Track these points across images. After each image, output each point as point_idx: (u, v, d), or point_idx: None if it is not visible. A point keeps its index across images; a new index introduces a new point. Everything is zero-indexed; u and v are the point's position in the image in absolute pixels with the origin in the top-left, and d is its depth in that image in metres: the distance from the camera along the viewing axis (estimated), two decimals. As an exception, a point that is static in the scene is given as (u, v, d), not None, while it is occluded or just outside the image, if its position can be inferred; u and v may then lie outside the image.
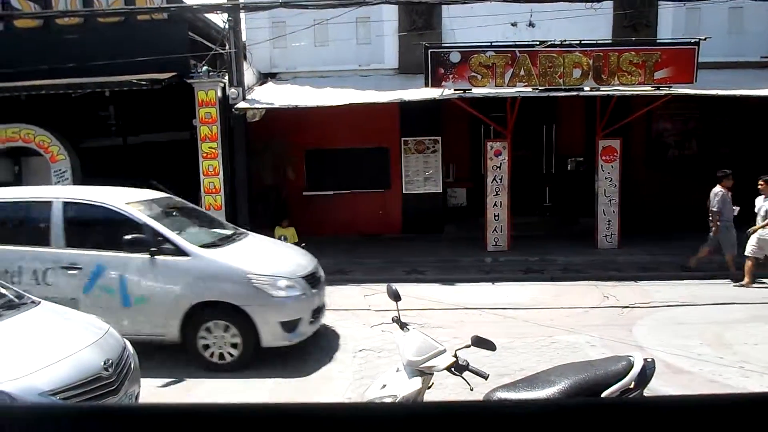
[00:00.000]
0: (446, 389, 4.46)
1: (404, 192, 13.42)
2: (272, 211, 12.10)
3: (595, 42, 10.55)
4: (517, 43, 10.65)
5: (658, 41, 11.24)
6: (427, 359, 3.28)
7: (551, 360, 5.75)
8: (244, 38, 11.69)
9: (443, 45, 11.35)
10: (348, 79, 12.30)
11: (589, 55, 10.20)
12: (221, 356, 6.00)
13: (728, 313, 7.64)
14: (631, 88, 10.35)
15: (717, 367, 5.80)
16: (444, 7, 11.91)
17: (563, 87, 10.38)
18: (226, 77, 10.92)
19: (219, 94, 10.74)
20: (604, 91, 10.41)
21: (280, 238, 10.99)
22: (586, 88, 10.40)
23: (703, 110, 14.04)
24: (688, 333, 6.83)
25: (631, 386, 3.34)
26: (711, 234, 9.61)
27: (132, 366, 4.46)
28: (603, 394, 3.26)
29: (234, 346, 5.99)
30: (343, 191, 13.37)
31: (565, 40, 10.32)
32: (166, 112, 12.11)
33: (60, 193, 6.77)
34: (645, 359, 3.43)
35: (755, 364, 5.83)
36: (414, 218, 13.33)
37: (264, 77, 12.72)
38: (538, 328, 7.07)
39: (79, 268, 6.06)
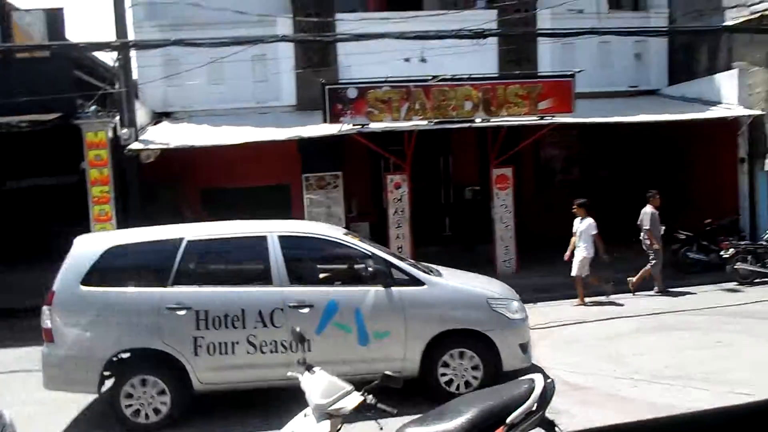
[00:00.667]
0: (355, 429, 4.39)
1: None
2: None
3: (483, 76, 11.13)
4: (411, 79, 11.01)
5: (539, 74, 12.02)
6: (335, 401, 3.22)
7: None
8: (135, 76, 11.30)
9: (340, 81, 11.55)
10: (246, 116, 12.16)
11: (479, 88, 10.74)
12: (459, 386, 5.68)
13: (614, 328, 8.18)
14: (519, 118, 10.98)
15: (611, 380, 6.15)
16: (339, 44, 12.14)
17: (456, 119, 10.83)
18: (117, 117, 10.47)
19: (109, 134, 10.27)
20: (494, 122, 10.96)
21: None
22: (478, 120, 10.91)
23: (583, 137, 15.12)
24: (583, 350, 7.23)
25: (534, 408, 3.46)
26: (652, 252, 10.11)
27: None
28: (508, 420, 3.35)
29: (475, 368, 5.72)
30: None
31: (456, 75, 10.82)
32: (52, 155, 11.39)
33: (270, 226, 6.09)
34: (545, 380, 3.57)
35: (644, 374, 6.24)
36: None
37: (158, 116, 12.33)
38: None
39: (310, 306, 5.56)
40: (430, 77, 10.88)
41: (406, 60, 12.31)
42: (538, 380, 3.54)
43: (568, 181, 15.54)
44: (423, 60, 12.24)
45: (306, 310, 5.52)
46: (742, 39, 12.19)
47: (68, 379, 5.55)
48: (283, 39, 10.29)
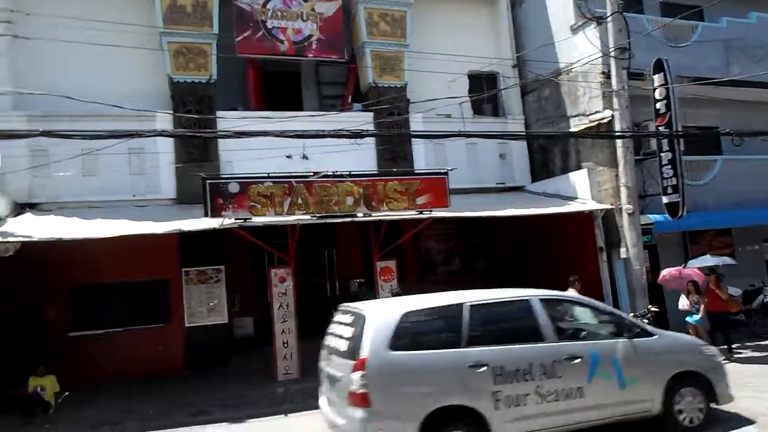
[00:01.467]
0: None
1: (187, 325, 12.65)
2: (26, 358, 10.43)
3: (363, 173, 11.62)
4: (293, 174, 11.21)
5: (415, 172, 12.72)
6: None
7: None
8: (-1, 166, 10.55)
9: (221, 176, 11.50)
10: (122, 209, 11.65)
11: (359, 184, 11.14)
12: (691, 419, 6.74)
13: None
14: (398, 213, 11.43)
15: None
16: (221, 140, 12.19)
17: (339, 214, 11.07)
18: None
19: (-39, 227, 9.34)
20: (375, 216, 11.32)
21: (35, 389, 9.52)
22: (360, 214, 11.22)
23: (460, 230, 15.98)
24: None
25: None
26: None
27: None
28: None
29: (700, 410, 6.81)
30: (116, 329, 12.15)
31: (337, 171, 11.19)
32: None
33: (528, 292, 6.92)
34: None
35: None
36: (198, 352, 12.53)
37: (21, 207, 11.47)
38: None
39: (580, 358, 6.34)
40: (312, 173, 11.15)
41: (288, 156, 12.58)
42: None
43: (450, 272, 16.19)
44: (305, 157, 12.56)
45: (578, 361, 6.33)
46: (587, 143, 13.79)
47: None
48: (162, 134, 10.14)
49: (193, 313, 12.71)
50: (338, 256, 15.15)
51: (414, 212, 11.55)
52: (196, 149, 12.61)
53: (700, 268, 12.17)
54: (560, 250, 13.96)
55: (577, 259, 13.29)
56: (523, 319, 6.54)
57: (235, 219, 10.59)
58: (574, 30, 14.15)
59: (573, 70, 14.14)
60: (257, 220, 10.68)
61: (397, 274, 12.27)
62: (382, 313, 6.25)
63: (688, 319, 11.63)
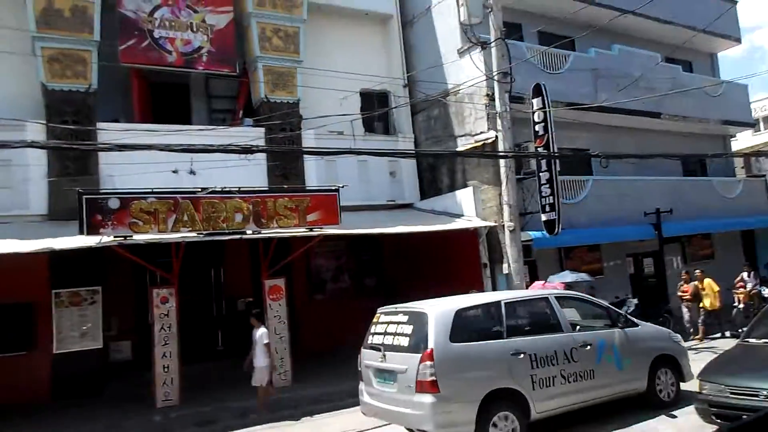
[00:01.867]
0: None
1: (55, 351, 11.64)
2: None
3: (253, 189, 11.35)
4: (179, 190, 10.76)
5: (306, 188, 12.65)
6: None
7: None
8: None
9: (101, 191, 10.79)
10: (-19, 227, 10.60)
11: (249, 200, 10.88)
12: (667, 394, 8.21)
13: None
14: (289, 230, 11.28)
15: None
16: (102, 153, 11.47)
17: (227, 231, 10.73)
18: None
19: None
20: (265, 233, 11.10)
21: None
22: (249, 232, 10.95)
23: (350, 247, 16.05)
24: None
25: None
26: None
27: None
28: None
29: (672, 381, 8.28)
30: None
31: (226, 187, 10.86)
32: None
33: (546, 291, 9.09)
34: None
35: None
36: (68, 380, 11.56)
37: None
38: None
39: (590, 345, 7.58)
40: (199, 189, 10.76)
41: (175, 171, 12.06)
42: None
43: (339, 289, 16.18)
44: (192, 172, 12.11)
45: (588, 348, 7.54)
46: (473, 162, 14.41)
47: (453, 422, 6.53)
48: (32, 145, 9.34)
49: (63, 338, 11.73)
50: (226, 274, 14.68)
51: (304, 229, 11.45)
52: (73, 162, 11.77)
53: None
54: (447, 266, 14.40)
55: (463, 275, 13.76)
56: (545, 314, 7.69)
57: (115, 237, 9.97)
58: (461, 53, 14.78)
59: (460, 91, 14.74)
60: (139, 237, 10.11)
61: (286, 293, 12.07)
62: (441, 311, 7.05)
63: None
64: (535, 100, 13.57)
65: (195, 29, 13.37)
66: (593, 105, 15.05)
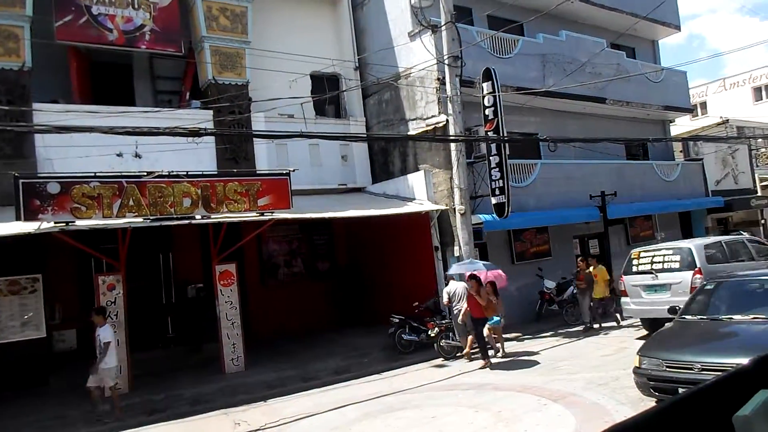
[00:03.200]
0: None
1: (-6, 343, 11.21)
2: None
3: (201, 173, 11.09)
4: (124, 174, 10.42)
5: (257, 172, 12.44)
6: None
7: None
8: None
9: (39, 175, 10.34)
10: None
11: (197, 185, 10.64)
12: None
13: (346, 415, 8.43)
14: (239, 215, 11.10)
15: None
16: (39, 135, 10.97)
17: (175, 216, 10.48)
18: None
19: None
20: (215, 218, 10.89)
21: None
22: (198, 217, 10.72)
23: (303, 231, 15.95)
24: (316, 441, 7.32)
25: None
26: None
27: None
28: None
29: None
30: None
31: (173, 171, 10.58)
32: None
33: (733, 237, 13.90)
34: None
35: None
36: (11, 371, 11.15)
37: None
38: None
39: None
40: (145, 173, 10.45)
41: (119, 155, 11.69)
42: None
43: (293, 274, 16.08)
44: (138, 156, 11.75)
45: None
46: (424, 145, 14.48)
47: None
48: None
49: (3, 328, 11.28)
50: (175, 260, 14.36)
51: (255, 214, 11.29)
52: (7, 144, 11.23)
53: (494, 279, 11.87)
54: (400, 249, 14.50)
55: (415, 258, 13.90)
56: (741, 250, 12.44)
57: (55, 222, 9.60)
58: (412, 36, 14.76)
59: (411, 75, 14.74)
60: (82, 223, 9.76)
61: (237, 278, 11.93)
62: (697, 245, 11.73)
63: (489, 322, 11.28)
64: (485, 84, 13.69)
65: (137, 6, 12.86)
66: (542, 90, 15.32)
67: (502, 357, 11.36)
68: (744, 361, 2.00)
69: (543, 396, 8.33)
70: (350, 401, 9.13)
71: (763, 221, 23.94)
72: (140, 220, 10.18)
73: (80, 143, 10.06)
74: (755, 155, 24.84)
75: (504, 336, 12.04)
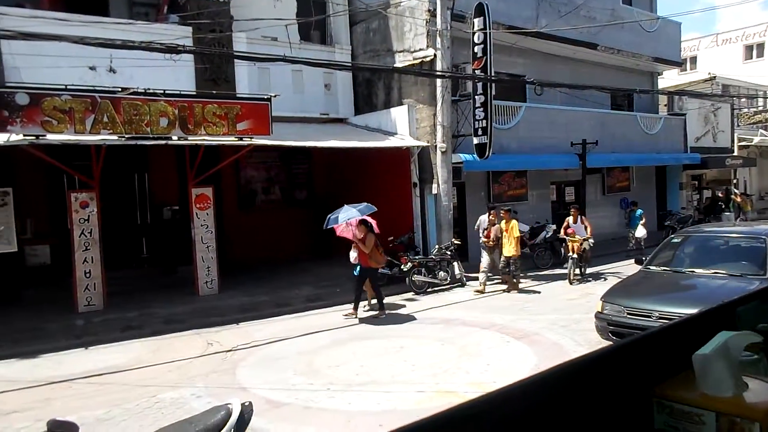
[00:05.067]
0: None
1: (-35, 255, 11.10)
2: None
3: (179, 93, 10.77)
4: (98, 89, 10.07)
5: (237, 96, 12.13)
6: None
7: (155, 422, 5.49)
8: None
9: (6, 84, 9.95)
10: None
11: (174, 105, 10.37)
12: None
13: (315, 342, 8.63)
14: (217, 138, 10.90)
15: (309, 393, 6.46)
16: (4, 42, 10.47)
17: (151, 135, 10.25)
18: None
19: None
20: (192, 140, 10.68)
21: None
22: (174, 138, 10.51)
23: (282, 159, 15.78)
24: (284, 366, 7.46)
25: (231, 434, 3.48)
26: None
27: None
28: (206, 450, 3.33)
29: None
30: None
31: (149, 89, 10.26)
32: None
33: None
34: (243, 404, 3.59)
35: (338, 384, 6.72)
36: (-20, 285, 11.14)
37: None
38: (141, 389, 6.69)
39: None
40: (120, 89, 10.12)
41: (92, 68, 11.24)
42: (236, 405, 3.55)
43: (270, 201, 16.02)
44: (112, 70, 11.32)
45: None
46: (410, 79, 14.22)
47: None
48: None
49: (-27, 239, 11.15)
50: (151, 181, 14.16)
51: (234, 138, 11.11)
52: (-30, 49, 10.71)
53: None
54: (378, 182, 14.46)
55: (394, 192, 13.89)
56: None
57: (24, 135, 9.33)
58: (405, -36, 14.21)
59: (401, 4, 14.28)
60: (53, 137, 9.50)
61: (214, 202, 11.85)
62: None
63: (354, 271, 10.48)
64: (476, 20, 13.35)
65: None
66: (534, 30, 15.00)
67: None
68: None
69: (507, 334, 8.60)
70: (321, 328, 9.35)
71: (735, 181, 24.33)
72: (115, 137, 9.95)
73: (49, 52, 9.61)
74: (737, 115, 24.96)
75: (475, 275, 12.27)
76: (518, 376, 5.48)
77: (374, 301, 10.36)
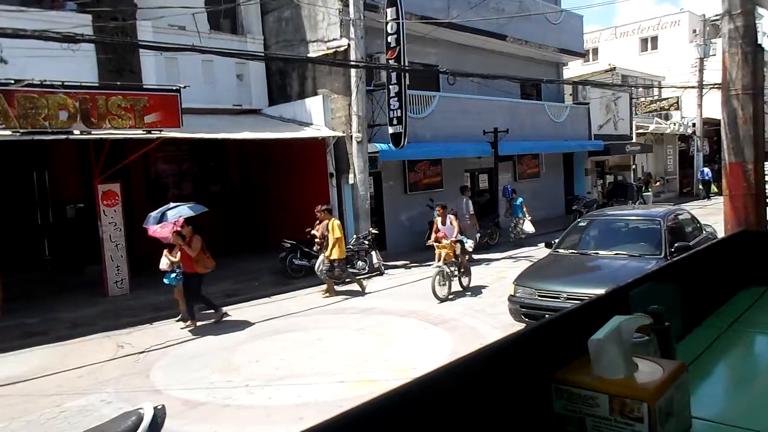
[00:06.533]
0: None
1: None
2: None
3: (79, 84, 10.17)
4: (-13, 81, 9.34)
5: (144, 87, 11.59)
6: None
7: (62, 432, 5.22)
8: None
9: None
10: None
11: (75, 97, 9.78)
12: None
13: (233, 338, 8.46)
14: (123, 131, 10.40)
15: (227, 390, 6.34)
16: None
17: (50, 130, 9.63)
18: None
19: None
20: (96, 134, 10.14)
21: None
22: (76, 132, 9.93)
23: (194, 152, 15.27)
24: (201, 365, 7.28)
25: (143, 440, 3.35)
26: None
27: None
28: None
29: None
30: None
31: (46, 80, 9.62)
32: None
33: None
34: (155, 407, 3.47)
35: (258, 379, 6.63)
36: None
37: None
38: (45, 399, 6.33)
39: None
40: (12, 81, 9.42)
41: (-20, 59, 10.42)
42: (148, 409, 3.43)
43: (182, 196, 15.44)
44: (3, 61, 10.53)
45: None
46: (324, 69, 14.11)
47: None
48: None
49: None
50: (51, 178, 13.30)
51: (141, 131, 10.63)
52: None
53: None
54: (295, 174, 14.33)
55: (310, 184, 13.80)
56: None
57: None
58: (316, -48, 14.04)
59: (313, -6, 14.12)
60: (-65, 132, 8.74)
61: (122, 198, 11.31)
62: None
63: (165, 279, 9.26)
64: (389, 10, 13.40)
65: None
66: (446, 21, 15.26)
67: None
68: (602, 291, 2.18)
69: (425, 321, 8.78)
70: (238, 324, 9.15)
71: (633, 166, 25.88)
72: (8, 132, 9.27)
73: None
74: (635, 104, 26.53)
75: (393, 263, 12.43)
76: (436, 362, 5.60)
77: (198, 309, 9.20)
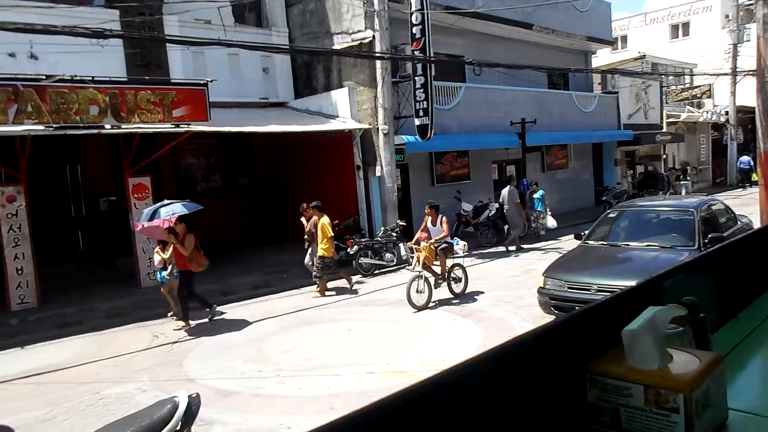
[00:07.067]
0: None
1: None
2: None
3: (109, 79, 10.35)
4: (19, 76, 9.54)
5: (171, 81, 11.75)
6: None
7: (100, 419, 5.34)
8: None
9: None
10: None
11: (104, 92, 9.96)
12: None
13: (264, 328, 8.56)
14: (152, 125, 10.56)
15: (259, 380, 6.43)
16: None
17: (81, 125, 9.83)
18: None
19: None
20: (126, 129, 10.31)
21: None
22: (107, 126, 10.11)
23: (222, 146, 15.44)
24: (233, 355, 7.38)
25: (179, 427, 3.40)
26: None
27: None
28: (154, 444, 3.29)
29: None
30: None
31: (76, 76, 9.81)
32: None
33: None
34: (189, 396, 3.54)
35: (288, 369, 6.71)
36: None
37: None
38: (83, 386, 6.49)
39: None
40: (44, 76, 9.62)
41: (11, 55, 10.66)
42: (182, 397, 3.50)
43: (211, 189, 15.68)
44: (34, 57, 10.77)
45: None
46: (350, 61, 14.12)
47: None
48: None
49: None
50: (84, 172, 13.60)
51: (170, 125, 10.78)
52: None
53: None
54: (321, 166, 14.38)
55: (337, 176, 13.85)
56: None
57: (-58, 127, 8.78)
58: (340, -56, 14.02)
59: (338, -15, 14.12)
60: (-28, 128, 8.98)
61: (152, 191, 11.50)
62: None
63: (158, 276, 9.48)
64: (413, 1, 13.33)
65: None
66: (471, 11, 15.13)
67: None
68: (634, 283, 2.15)
69: (454, 312, 8.76)
70: (268, 315, 9.28)
71: (664, 156, 25.40)
72: (41, 127, 9.48)
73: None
74: (665, 92, 25.97)
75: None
76: (466, 353, 5.60)
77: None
